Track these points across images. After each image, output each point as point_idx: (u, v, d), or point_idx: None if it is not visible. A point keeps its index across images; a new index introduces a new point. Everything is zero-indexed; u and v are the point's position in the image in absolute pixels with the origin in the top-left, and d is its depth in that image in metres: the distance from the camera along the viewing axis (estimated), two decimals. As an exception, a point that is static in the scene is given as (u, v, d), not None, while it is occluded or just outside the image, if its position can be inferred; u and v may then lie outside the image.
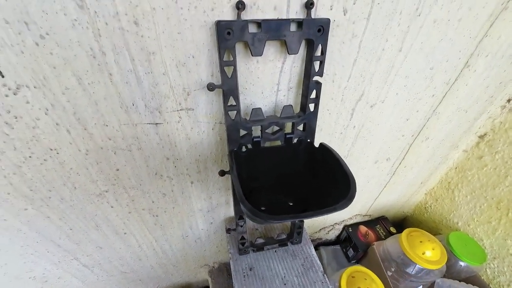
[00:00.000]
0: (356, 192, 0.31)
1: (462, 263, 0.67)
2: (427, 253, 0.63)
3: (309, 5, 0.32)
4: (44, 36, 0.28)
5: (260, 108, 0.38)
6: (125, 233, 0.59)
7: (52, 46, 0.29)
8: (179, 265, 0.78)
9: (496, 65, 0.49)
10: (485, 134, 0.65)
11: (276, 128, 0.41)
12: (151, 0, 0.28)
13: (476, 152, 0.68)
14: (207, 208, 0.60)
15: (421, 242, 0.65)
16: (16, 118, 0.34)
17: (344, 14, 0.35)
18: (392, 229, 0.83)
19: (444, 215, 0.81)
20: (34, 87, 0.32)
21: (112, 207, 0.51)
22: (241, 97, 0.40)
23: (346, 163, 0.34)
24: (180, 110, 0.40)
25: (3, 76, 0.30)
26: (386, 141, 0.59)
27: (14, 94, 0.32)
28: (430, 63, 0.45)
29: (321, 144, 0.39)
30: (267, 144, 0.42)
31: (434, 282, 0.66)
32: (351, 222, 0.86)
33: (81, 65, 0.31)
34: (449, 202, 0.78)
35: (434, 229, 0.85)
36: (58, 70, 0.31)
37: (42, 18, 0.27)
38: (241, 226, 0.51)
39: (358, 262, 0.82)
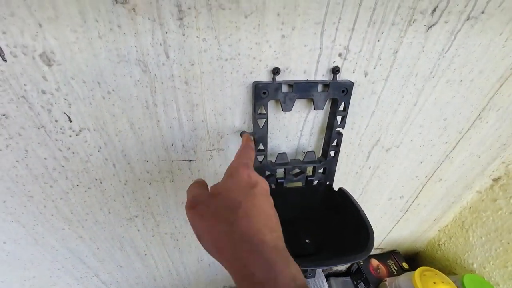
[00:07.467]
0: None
1: (477, 308, 0.65)
2: (440, 296, 0.62)
3: (335, 71, 0.36)
4: (110, 92, 0.34)
5: (285, 153, 0.42)
6: (145, 254, 0.62)
7: (115, 99, 0.35)
8: (190, 287, 0.79)
9: (507, 117, 0.52)
10: (499, 178, 0.66)
11: (298, 170, 0.44)
12: (202, 66, 0.34)
13: (491, 194, 0.68)
14: (224, 235, 0.63)
15: (434, 283, 0.64)
16: (73, 153, 0.39)
17: (365, 76, 0.39)
18: (405, 265, 0.83)
19: (458, 254, 0.80)
20: (94, 130, 0.37)
21: (138, 230, 0.55)
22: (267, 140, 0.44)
23: (361, 200, 0.37)
24: (212, 150, 0.44)
25: (71, 121, 0.36)
26: (400, 180, 0.61)
27: (77, 135, 0.37)
28: (443, 115, 0.48)
29: (340, 189, 0.42)
30: (289, 184, 0.45)
31: (448, 326, 0.65)
32: (362, 254, 0.86)
33: (135, 114, 0.37)
34: (463, 241, 0.78)
35: (448, 268, 0.84)
36: (116, 117, 0.36)
37: (112, 79, 0.33)
38: (258, 258, 0.53)
39: (368, 297, 0.81)
